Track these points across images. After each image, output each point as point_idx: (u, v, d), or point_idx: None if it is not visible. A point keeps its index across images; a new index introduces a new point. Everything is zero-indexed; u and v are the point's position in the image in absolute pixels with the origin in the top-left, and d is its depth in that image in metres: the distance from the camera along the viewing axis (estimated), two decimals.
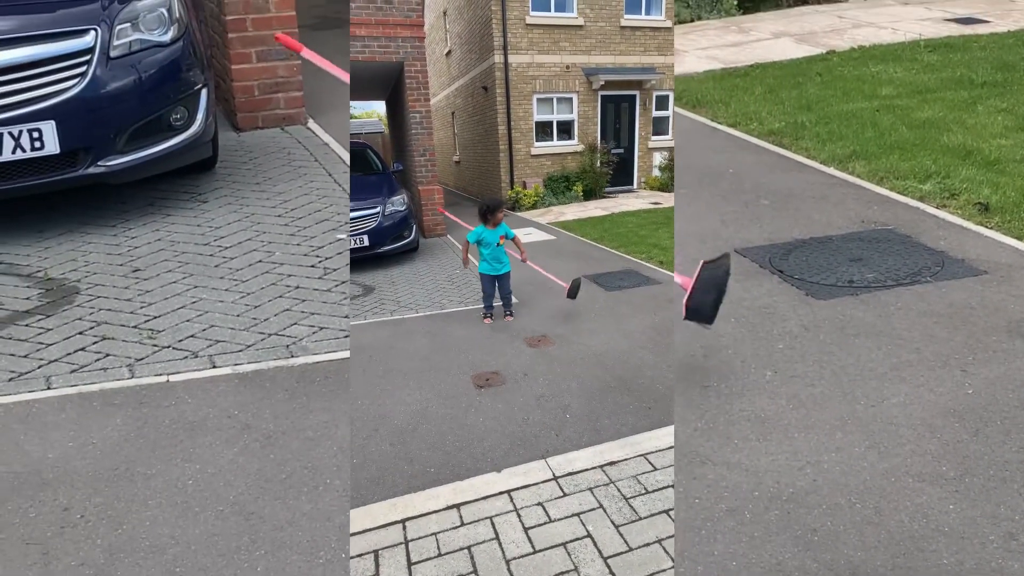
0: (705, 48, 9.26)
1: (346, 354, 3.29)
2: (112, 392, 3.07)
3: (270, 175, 4.95)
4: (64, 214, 4.49)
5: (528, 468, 3.06)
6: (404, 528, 2.66)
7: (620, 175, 15.34)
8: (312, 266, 3.96)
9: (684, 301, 3.03)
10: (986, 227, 4.54)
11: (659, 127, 16.03)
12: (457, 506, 2.78)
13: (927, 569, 2.21)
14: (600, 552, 2.43)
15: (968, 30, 9.08)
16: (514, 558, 2.43)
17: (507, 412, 3.72)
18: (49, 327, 3.47)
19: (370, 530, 2.65)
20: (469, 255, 6.12)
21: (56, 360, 3.24)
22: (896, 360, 3.30)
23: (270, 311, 3.58)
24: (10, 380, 3.12)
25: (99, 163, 4.06)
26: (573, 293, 5.79)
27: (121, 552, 2.32)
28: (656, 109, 15.82)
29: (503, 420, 3.62)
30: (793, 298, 3.89)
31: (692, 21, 10.85)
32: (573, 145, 15.01)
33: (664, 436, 3.25)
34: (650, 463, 3.02)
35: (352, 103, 19.95)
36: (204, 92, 4.39)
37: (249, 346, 3.33)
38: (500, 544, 2.51)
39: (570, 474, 2.98)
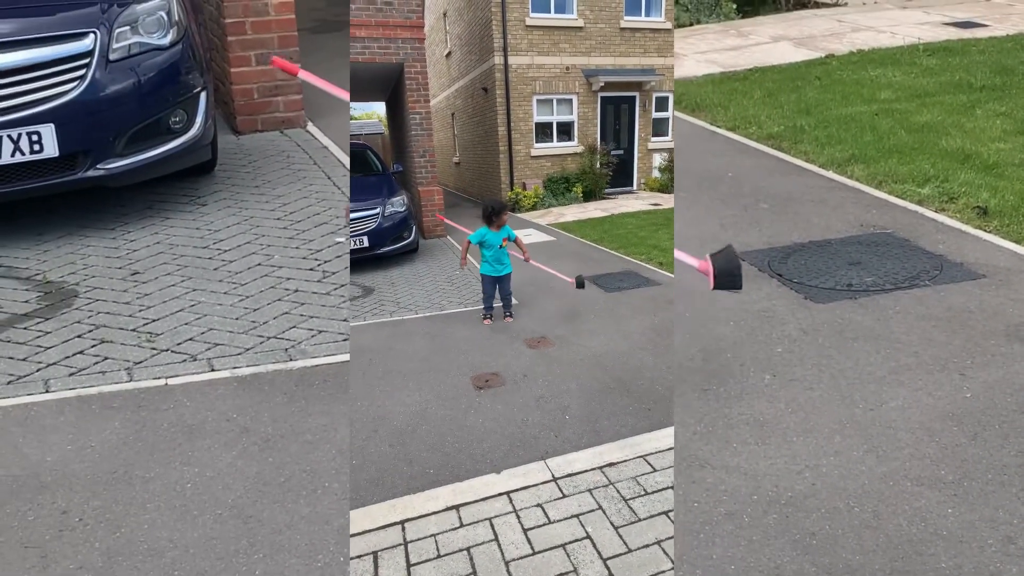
0: (704, 52, 9.27)
1: (345, 357, 3.30)
2: (111, 395, 3.07)
3: (269, 178, 4.95)
4: (63, 217, 4.49)
5: (527, 469, 3.07)
6: (403, 529, 2.66)
7: (620, 176, 15.35)
8: (311, 269, 3.96)
9: (710, 275, 2.98)
10: (985, 231, 4.54)
11: (659, 128, 16.04)
12: (456, 507, 2.79)
13: (925, 573, 2.22)
14: (599, 553, 2.43)
15: (967, 34, 9.09)
16: (513, 559, 2.43)
17: (506, 413, 3.72)
18: (48, 330, 3.47)
19: (369, 531, 2.65)
20: (469, 256, 6.13)
21: (55, 363, 3.24)
22: (895, 364, 3.30)
23: (269, 314, 3.58)
24: (8, 383, 3.12)
25: (98, 166, 4.06)
26: (581, 284, 5.91)
27: (119, 555, 2.32)
28: (656, 110, 15.84)
29: (502, 421, 3.62)
30: (792, 302, 3.90)
31: (691, 25, 10.86)
32: (573, 146, 15.02)
33: (663, 437, 3.26)
34: (649, 464, 3.02)
35: (352, 104, 19.94)
36: (203, 95, 4.39)
37: (248, 349, 3.33)
38: (499, 545, 2.51)
39: (569, 475, 2.98)
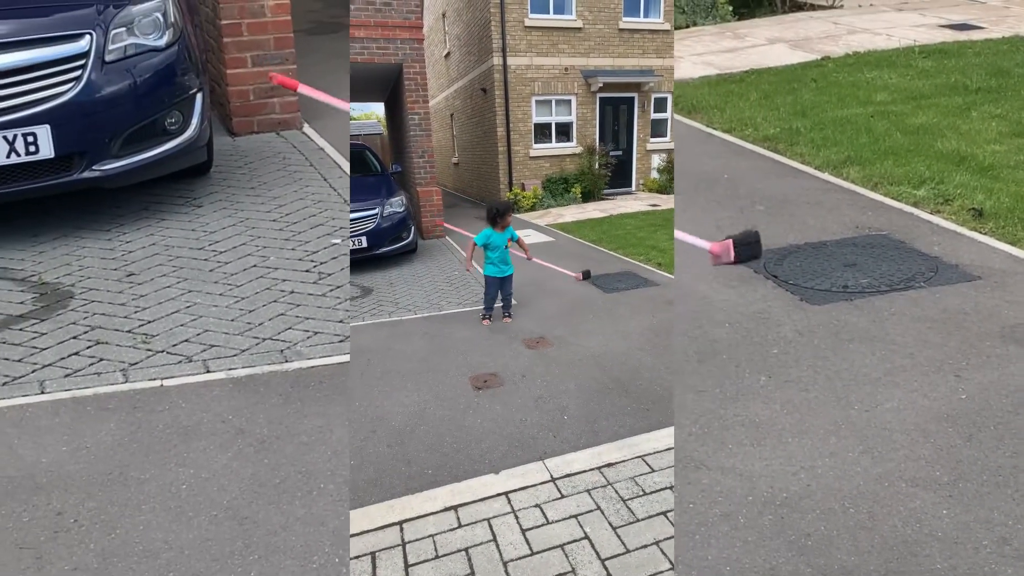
0: (700, 54, 9.28)
1: (341, 358, 3.29)
2: (106, 396, 3.07)
3: (265, 180, 4.95)
4: (59, 218, 4.49)
5: (526, 470, 3.07)
6: (401, 530, 2.66)
7: (618, 177, 15.37)
8: (307, 271, 3.96)
9: (730, 251, 2.96)
10: (980, 233, 4.55)
11: (657, 129, 16.06)
12: (455, 508, 2.79)
13: (920, 574, 2.22)
14: (598, 554, 2.43)
15: (962, 36, 9.11)
16: (512, 560, 2.43)
17: (505, 414, 3.72)
18: (43, 331, 3.47)
19: (368, 532, 2.66)
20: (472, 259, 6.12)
21: (50, 364, 3.24)
22: (890, 365, 3.30)
23: (264, 315, 3.58)
24: (4, 384, 3.12)
25: (94, 167, 4.05)
26: (587, 275, 5.98)
27: (114, 557, 2.32)
28: (654, 111, 15.85)
29: (501, 422, 3.62)
30: (787, 303, 3.90)
31: (687, 27, 10.87)
32: (572, 147, 15.04)
33: (662, 438, 3.26)
34: (648, 465, 3.02)
35: (351, 104, 19.95)
36: (199, 96, 4.39)
37: (243, 351, 3.33)
38: (498, 546, 2.52)
39: (568, 476, 2.98)
